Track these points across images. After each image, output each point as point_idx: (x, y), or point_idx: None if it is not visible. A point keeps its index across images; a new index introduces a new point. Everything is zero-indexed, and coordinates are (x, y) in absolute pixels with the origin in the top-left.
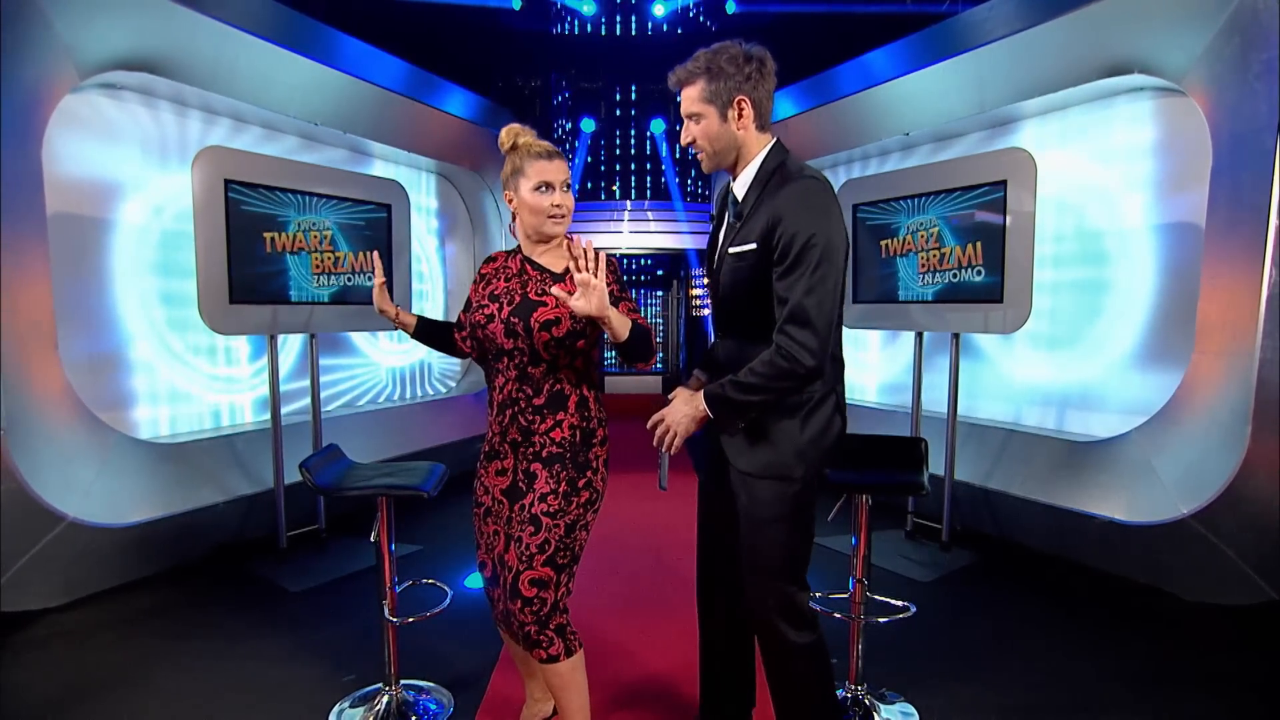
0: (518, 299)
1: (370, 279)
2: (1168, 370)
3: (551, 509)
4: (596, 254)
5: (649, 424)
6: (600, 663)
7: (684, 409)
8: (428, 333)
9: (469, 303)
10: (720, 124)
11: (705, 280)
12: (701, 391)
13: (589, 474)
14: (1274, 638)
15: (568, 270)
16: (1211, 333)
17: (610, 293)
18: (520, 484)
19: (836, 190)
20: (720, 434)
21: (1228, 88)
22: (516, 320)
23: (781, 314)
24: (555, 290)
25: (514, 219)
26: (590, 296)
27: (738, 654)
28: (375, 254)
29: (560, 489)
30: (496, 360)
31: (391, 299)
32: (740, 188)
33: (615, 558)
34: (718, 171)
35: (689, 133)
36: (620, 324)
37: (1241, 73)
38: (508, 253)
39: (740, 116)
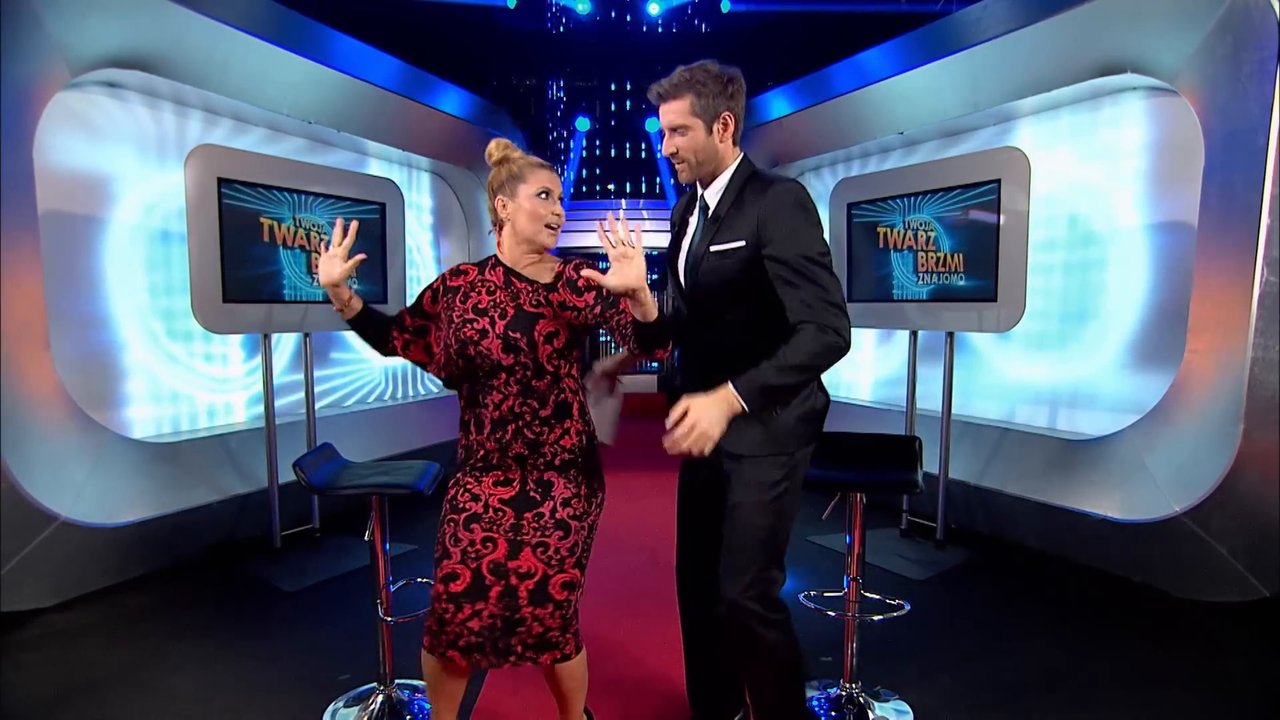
0: (512, 312)
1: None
2: (1160, 369)
3: (577, 512)
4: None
5: (670, 422)
6: (595, 663)
7: (714, 406)
8: (366, 321)
9: (417, 307)
10: (705, 137)
11: (670, 286)
12: (729, 384)
13: (602, 477)
14: (1266, 635)
15: (558, 279)
16: (1203, 331)
17: (606, 299)
18: (533, 494)
19: (830, 190)
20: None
21: (1220, 87)
22: (518, 335)
23: (806, 301)
24: (588, 272)
25: (496, 228)
26: (628, 268)
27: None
28: (351, 223)
29: (581, 491)
30: (491, 377)
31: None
32: (713, 195)
33: (610, 556)
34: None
35: (673, 144)
36: (651, 300)
37: (1234, 72)
38: (480, 264)
39: (725, 130)
